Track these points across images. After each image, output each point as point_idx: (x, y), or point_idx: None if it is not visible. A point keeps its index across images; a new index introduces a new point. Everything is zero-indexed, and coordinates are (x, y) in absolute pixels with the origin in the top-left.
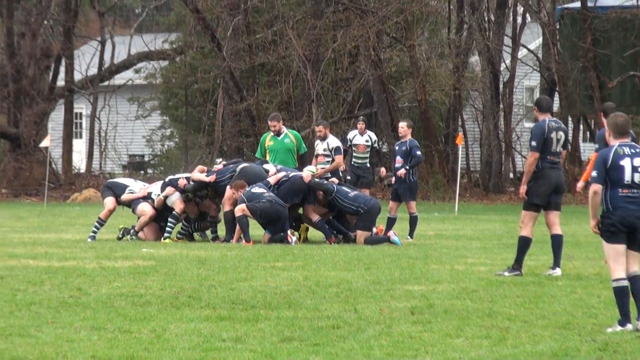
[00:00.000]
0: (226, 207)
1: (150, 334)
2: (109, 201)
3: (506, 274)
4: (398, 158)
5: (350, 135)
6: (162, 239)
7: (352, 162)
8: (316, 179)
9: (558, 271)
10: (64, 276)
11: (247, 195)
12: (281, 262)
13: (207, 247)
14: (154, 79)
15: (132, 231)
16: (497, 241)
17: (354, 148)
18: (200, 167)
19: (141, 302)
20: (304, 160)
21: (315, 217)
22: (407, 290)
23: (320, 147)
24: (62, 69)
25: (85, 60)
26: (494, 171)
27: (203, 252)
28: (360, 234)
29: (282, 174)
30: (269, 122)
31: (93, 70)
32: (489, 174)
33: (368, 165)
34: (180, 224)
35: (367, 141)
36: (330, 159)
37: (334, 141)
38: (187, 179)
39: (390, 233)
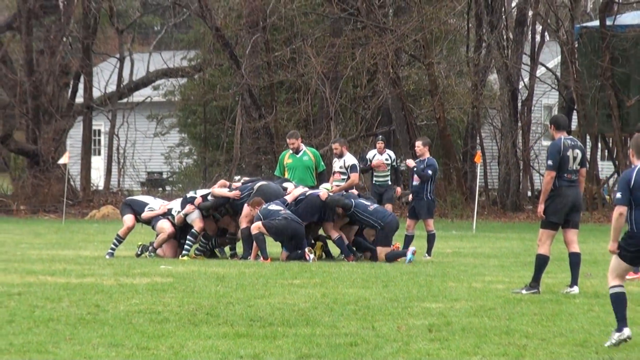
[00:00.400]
0: (243, 224)
1: (168, 351)
2: (128, 219)
3: (524, 291)
4: (415, 176)
5: (369, 154)
6: (180, 256)
7: (374, 182)
8: (332, 195)
9: (576, 289)
10: (82, 293)
11: (264, 212)
12: (299, 279)
13: (225, 264)
14: (173, 96)
15: (150, 248)
16: (515, 259)
17: (374, 168)
18: (222, 181)
19: (159, 319)
20: (322, 178)
21: (335, 235)
22: (425, 308)
23: (337, 164)
24: (81, 86)
25: (104, 77)
26: (511, 189)
27: (221, 269)
28: (381, 250)
29: (300, 191)
30: (288, 140)
31: (112, 87)
32: (506, 192)
33: (389, 183)
34: (197, 242)
35: (386, 160)
36: (346, 177)
37: (350, 159)
38: (205, 196)
39: (410, 249)
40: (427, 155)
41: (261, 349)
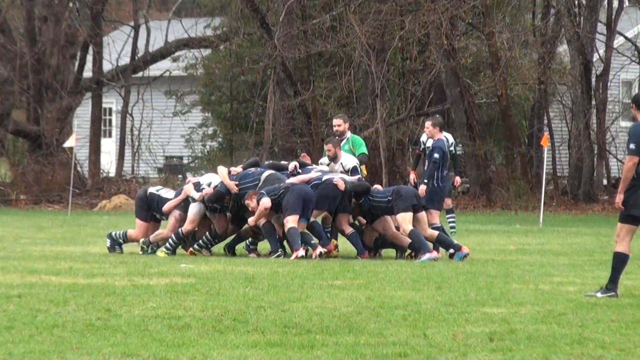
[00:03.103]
0: (262, 221)
1: None
2: (141, 227)
3: (599, 295)
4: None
5: (423, 137)
6: (159, 251)
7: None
8: (350, 180)
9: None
10: (91, 295)
11: (267, 190)
12: (340, 279)
13: (255, 263)
14: (195, 70)
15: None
16: (588, 257)
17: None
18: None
19: (179, 325)
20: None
21: (349, 230)
22: (485, 313)
23: (334, 168)
24: (90, 58)
25: (116, 49)
26: (584, 177)
27: (250, 268)
28: (402, 218)
29: (314, 175)
30: (333, 121)
31: (125, 60)
32: (578, 180)
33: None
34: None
35: None
36: None
37: (349, 160)
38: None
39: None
40: (438, 136)
41: (297, 359)
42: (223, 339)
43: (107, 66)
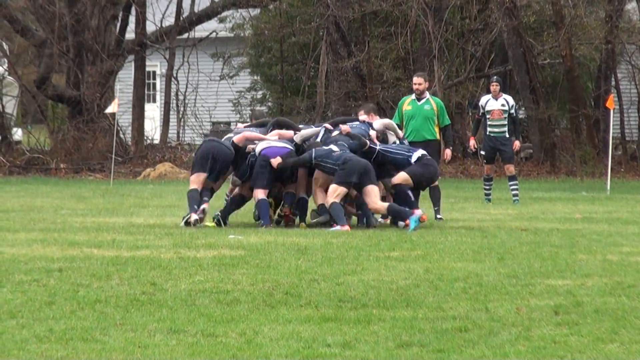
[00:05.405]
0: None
1: (239, 338)
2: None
3: None
4: None
5: (482, 101)
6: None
7: (488, 133)
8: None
9: None
10: (135, 269)
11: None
12: (397, 251)
13: (308, 234)
14: (243, 31)
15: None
16: None
17: (488, 115)
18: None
19: (228, 299)
20: (446, 134)
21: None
22: (550, 286)
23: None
24: (132, 19)
25: (160, 8)
26: None
27: (303, 239)
28: (333, 189)
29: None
30: (414, 79)
31: (169, 21)
32: None
33: (507, 135)
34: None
35: (503, 105)
36: None
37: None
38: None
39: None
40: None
41: (352, 335)
42: (274, 314)
43: (150, 27)
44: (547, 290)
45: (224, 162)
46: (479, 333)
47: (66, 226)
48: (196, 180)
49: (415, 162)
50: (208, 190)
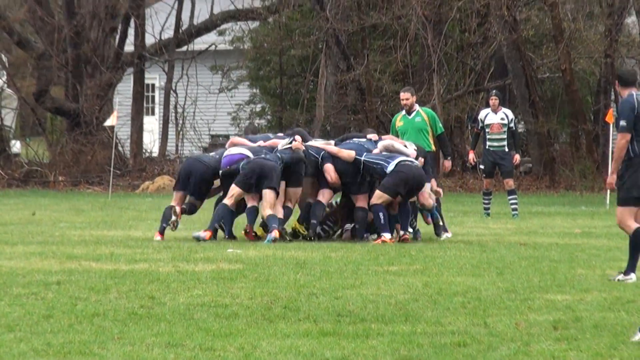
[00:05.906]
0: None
1: (237, 353)
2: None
3: (620, 277)
4: None
5: (481, 114)
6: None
7: (487, 147)
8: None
9: (632, 277)
10: (133, 282)
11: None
12: (396, 265)
13: (307, 248)
14: (242, 44)
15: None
16: None
17: (487, 129)
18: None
19: (226, 313)
20: (442, 142)
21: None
22: (549, 301)
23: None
24: (131, 32)
25: (160, 21)
26: None
27: (301, 253)
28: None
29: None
30: (401, 95)
31: (168, 33)
32: None
33: (506, 149)
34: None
35: (502, 119)
36: None
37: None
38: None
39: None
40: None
41: (351, 350)
42: (273, 328)
43: (149, 40)
44: (546, 305)
45: (199, 178)
46: (477, 348)
47: (64, 239)
48: (175, 197)
49: (390, 172)
50: (190, 204)
